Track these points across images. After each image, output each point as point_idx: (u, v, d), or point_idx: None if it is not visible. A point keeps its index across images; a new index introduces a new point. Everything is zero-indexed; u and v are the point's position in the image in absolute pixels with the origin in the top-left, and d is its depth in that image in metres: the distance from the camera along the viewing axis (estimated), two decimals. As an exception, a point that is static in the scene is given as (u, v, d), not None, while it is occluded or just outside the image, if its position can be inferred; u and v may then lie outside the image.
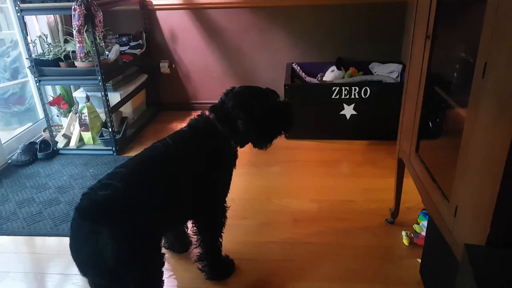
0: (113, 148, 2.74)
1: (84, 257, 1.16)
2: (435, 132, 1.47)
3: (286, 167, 2.53)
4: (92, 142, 2.82)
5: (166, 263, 1.36)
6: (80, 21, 2.37)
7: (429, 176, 1.35)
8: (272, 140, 1.51)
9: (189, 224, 1.62)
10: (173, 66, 3.41)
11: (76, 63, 2.61)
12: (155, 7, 3.23)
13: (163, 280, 1.32)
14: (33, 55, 2.64)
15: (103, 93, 2.61)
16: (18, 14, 2.50)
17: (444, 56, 1.40)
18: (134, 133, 3.02)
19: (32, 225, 2.02)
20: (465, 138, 1.04)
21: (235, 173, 1.56)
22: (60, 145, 2.81)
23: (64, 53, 2.65)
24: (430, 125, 1.47)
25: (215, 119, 1.43)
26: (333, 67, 3.06)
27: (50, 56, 2.65)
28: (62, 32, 2.95)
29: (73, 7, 2.34)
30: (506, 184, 0.86)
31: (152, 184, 1.27)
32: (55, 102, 2.88)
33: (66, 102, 2.95)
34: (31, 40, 2.71)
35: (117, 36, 3.18)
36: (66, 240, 1.23)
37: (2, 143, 2.66)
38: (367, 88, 2.68)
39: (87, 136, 2.81)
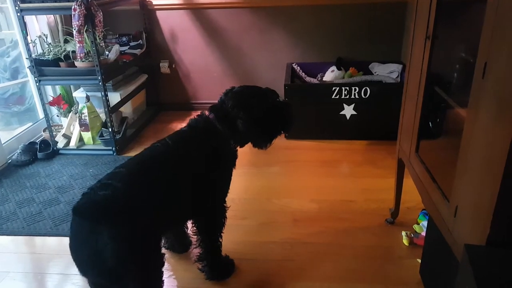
0: (113, 148, 2.74)
1: (84, 257, 1.16)
2: (435, 132, 1.47)
3: (286, 167, 2.53)
4: (92, 142, 2.82)
5: (166, 263, 1.36)
6: (80, 21, 2.37)
7: (429, 176, 1.35)
8: (272, 140, 1.51)
9: (189, 224, 1.62)
10: (173, 66, 3.41)
11: (76, 63, 2.61)
12: (155, 7, 3.23)
13: (163, 280, 1.32)
14: (33, 55, 2.64)
15: (103, 93, 2.61)
16: (18, 14, 2.50)
17: (444, 56, 1.40)
18: (134, 133, 3.02)
19: (32, 225, 2.02)
20: (465, 138, 1.04)
21: (235, 173, 1.56)
22: (60, 145, 2.81)
23: (64, 53, 2.65)
24: (430, 125, 1.47)
25: (215, 119, 1.43)
26: (333, 67, 3.06)
27: (50, 56, 2.65)
28: (62, 32, 2.95)
29: (73, 7, 2.35)
30: (506, 184, 0.86)
31: (152, 184, 1.27)
32: (55, 102, 2.88)
33: (66, 102, 2.95)
34: (31, 40, 2.71)
35: (117, 36, 3.18)
36: (66, 240, 1.23)
37: (2, 143, 2.66)
38: (367, 88, 2.68)
39: (87, 136, 2.82)
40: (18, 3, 2.46)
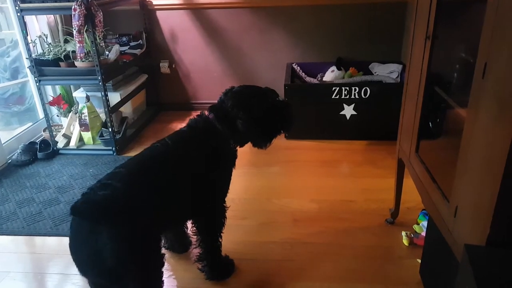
0: (113, 148, 2.74)
1: (83, 257, 1.16)
2: (435, 132, 1.47)
3: (286, 167, 2.53)
4: (92, 142, 2.82)
5: (166, 263, 1.36)
6: (80, 21, 2.37)
7: (429, 176, 1.35)
8: (271, 140, 1.51)
9: (189, 224, 1.62)
10: (173, 66, 3.41)
11: (76, 63, 2.61)
12: (155, 7, 3.23)
13: (163, 280, 1.32)
14: (33, 55, 2.64)
15: (103, 93, 2.61)
16: (18, 14, 2.50)
17: (444, 56, 1.39)
18: (134, 133, 3.02)
19: (32, 225, 2.02)
20: (465, 138, 1.04)
21: (235, 173, 1.56)
22: (60, 145, 2.81)
23: (64, 53, 2.65)
24: (430, 125, 1.46)
25: (215, 119, 1.43)
26: (333, 67, 3.06)
27: (50, 56, 2.65)
28: (62, 32, 2.95)
29: (73, 7, 2.35)
30: (506, 184, 0.86)
31: (152, 184, 1.27)
32: (55, 102, 2.88)
33: (66, 102, 2.95)
34: (31, 40, 2.71)
35: (117, 36, 3.18)
36: (66, 240, 1.23)
37: (2, 143, 2.66)
38: (367, 88, 2.68)
39: (87, 136, 2.82)
40: (18, 3, 2.46)
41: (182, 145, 1.41)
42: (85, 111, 2.75)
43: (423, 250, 1.57)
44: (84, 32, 2.47)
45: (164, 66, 3.38)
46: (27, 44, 2.60)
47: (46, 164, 2.64)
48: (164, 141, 1.40)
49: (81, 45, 2.46)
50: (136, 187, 1.23)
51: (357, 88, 2.68)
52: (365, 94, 2.69)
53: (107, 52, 2.78)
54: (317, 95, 2.77)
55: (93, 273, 1.19)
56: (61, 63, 2.64)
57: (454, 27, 1.38)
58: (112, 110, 2.73)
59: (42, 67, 2.62)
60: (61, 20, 2.97)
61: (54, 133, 2.83)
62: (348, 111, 2.75)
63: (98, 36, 2.54)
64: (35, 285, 1.67)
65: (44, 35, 2.82)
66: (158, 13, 3.26)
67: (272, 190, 2.27)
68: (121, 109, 2.98)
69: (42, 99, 2.74)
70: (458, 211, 1.08)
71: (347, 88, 2.69)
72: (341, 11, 3.08)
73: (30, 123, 3.06)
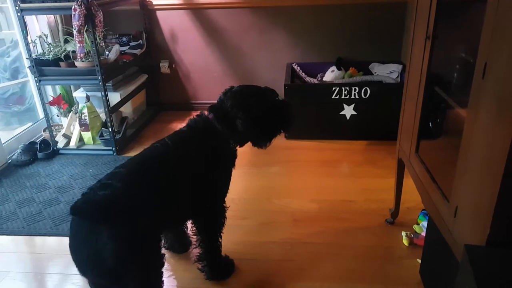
0: (113, 148, 2.74)
1: (83, 257, 1.16)
2: (435, 132, 1.47)
3: (286, 167, 2.53)
4: (92, 142, 2.82)
5: (166, 263, 1.36)
6: (80, 21, 2.37)
7: (429, 176, 1.35)
8: (271, 139, 1.51)
9: (189, 224, 1.62)
10: (173, 66, 3.41)
11: (76, 63, 2.61)
12: (155, 7, 3.23)
13: (163, 280, 1.32)
14: (33, 55, 2.64)
15: (103, 93, 2.61)
16: (18, 14, 2.50)
17: (444, 56, 1.39)
18: (134, 133, 3.02)
19: (32, 225, 2.02)
20: (465, 138, 1.04)
21: (235, 173, 1.56)
22: (60, 145, 2.81)
23: (64, 53, 2.65)
24: (430, 125, 1.46)
25: (214, 119, 1.43)
26: (333, 67, 3.06)
27: (50, 56, 2.65)
28: (62, 32, 2.95)
29: (73, 7, 2.35)
30: (506, 184, 0.86)
31: (152, 184, 1.27)
32: (55, 102, 2.88)
33: (66, 102, 2.95)
34: (31, 40, 2.71)
35: (117, 36, 3.19)
36: (66, 240, 1.23)
37: (2, 143, 2.66)
38: (367, 88, 2.68)
39: (87, 136, 2.82)
40: (18, 3, 2.46)
41: (182, 145, 1.41)
42: (85, 111, 2.75)
43: (423, 250, 1.57)
44: (84, 32, 2.47)
45: (164, 66, 3.38)
46: (27, 44, 2.60)
47: (46, 164, 2.64)
48: (164, 141, 1.40)
49: (81, 45, 2.46)
50: (136, 187, 1.23)
51: (357, 88, 2.68)
52: (365, 94, 2.69)
53: (107, 52, 2.78)
54: (317, 95, 2.77)
55: (93, 273, 1.19)
56: (61, 63, 2.64)
57: (454, 27, 1.38)
58: (112, 110, 2.73)
59: (42, 67, 2.62)
60: (61, 20, 2.97)
61: (54, 133, 2.83)
62: (348, 111, 2.75)
63: (98, 36, 2.54)
64: (35, 285, 1.67)
65: (44, 35, 2.82)
66: (158, 13, 3.26)
67: (272, 190, 2.27)
68: (121, 109, 2.98)
69: (42, 99, 2.74)
70: (458, 211, 1.08)
71: (347, 88, 2.69)
72: (341, 11, 3.08)
73: (30, 123, 3.06)
